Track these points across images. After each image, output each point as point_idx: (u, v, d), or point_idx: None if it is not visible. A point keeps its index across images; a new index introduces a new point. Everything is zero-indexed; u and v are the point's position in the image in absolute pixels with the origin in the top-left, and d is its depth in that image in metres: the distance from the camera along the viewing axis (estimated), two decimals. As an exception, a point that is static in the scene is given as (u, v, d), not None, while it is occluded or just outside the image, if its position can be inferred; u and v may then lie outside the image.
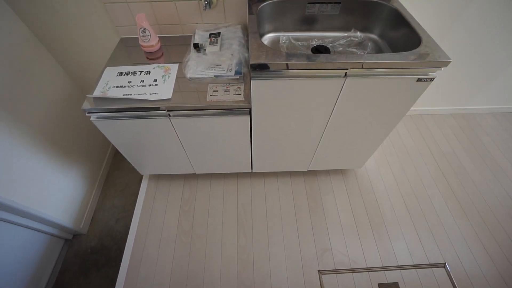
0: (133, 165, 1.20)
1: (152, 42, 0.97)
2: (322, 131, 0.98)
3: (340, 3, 0.94)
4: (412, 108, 1.64)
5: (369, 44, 0.96)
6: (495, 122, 1.63)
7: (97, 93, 0.84)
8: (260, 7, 0.88)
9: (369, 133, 1.01)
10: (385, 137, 1.05)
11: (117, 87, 0.86)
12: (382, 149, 1.50)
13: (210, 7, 0.94)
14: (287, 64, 0.69)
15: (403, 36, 0.85)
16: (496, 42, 1.23)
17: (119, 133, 0.93)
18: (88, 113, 0.84)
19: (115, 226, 1.27)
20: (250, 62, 0.68)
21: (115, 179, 1.43)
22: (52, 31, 1.03)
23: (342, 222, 1.22)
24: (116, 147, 1.02)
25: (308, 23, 0.99)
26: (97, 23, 1.03)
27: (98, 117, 0.85)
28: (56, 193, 1.10)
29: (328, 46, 0.95)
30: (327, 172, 1.39)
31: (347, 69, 0.72)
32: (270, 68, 0.70)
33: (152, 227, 1.22)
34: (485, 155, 1.47)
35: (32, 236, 1.03)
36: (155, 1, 0.96)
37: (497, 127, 1.60)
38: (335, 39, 0.98)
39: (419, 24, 0.81)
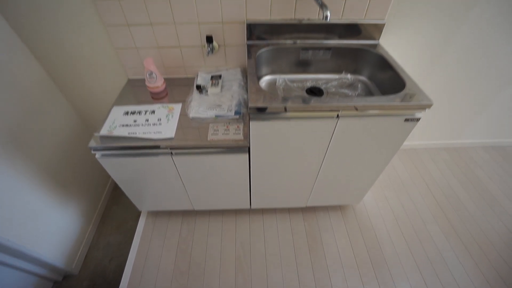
0: (132, 201, 1.21)
1: (157, 83, 1.05)
2: (319, 168, 1.02)
3: (330, 49, 1.04)
4: (405, 143, 1.71)
5: (359, 85, 1.05)
6: (487, 156, 1.69)
7: (104, 131, 0.89)
8: (258, 53, 0.98)
9: (364, 169, 1.05)
10: (380, 172, 1.09)
11: (123, 125, 0.91)
12: (379, 183, 1.53)
13: (212, 52, 1.04)
14: (283, 107, 0.76)
15: (389, 78, 0.94)
16: (476, 82, 1.34)
17: (121, 170, 0.96)
18: (94, 150, 0.88)
19: (109, 265, 1.23)
20: (249, 105, 0.74)
21: (112, 215, 1.43)
22: (65, 72, 1.12)
23: (342, 262, 1.20)
24: (118, 183, 1.05)
25: (303, 66, 1.09)
26: (108, 65, 1.12)
27: (103, 155, 0.89)
28: (51, 230, 1.09)
29: (321, 87, 1.03)
30: (326, 208, 1.40)
31: (339, 111, 0.78)
32: (267, 111, 0.76)
33: (147, 267, 1.19)
34: (481, 188, 1.50)
35: (18, 278, 0.99)
36: (162, 48, 1.07)
37: (489, 161, 1.66)
38: (328, 80, 1.08)
39: (402, 69, 0.90)
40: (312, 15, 0.98)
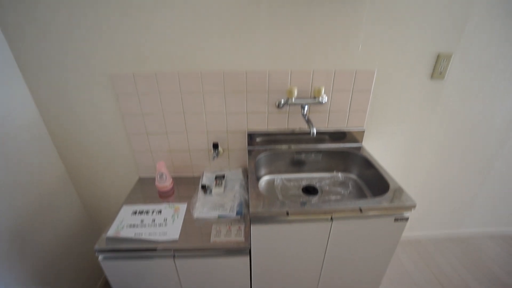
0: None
1: (166, 183, 1.17)
2: (320, 268, 1.02)
3: (321, 152, 1.21)
4: (408, 234, 1.71)
5: (350, 184, 1.17)
6: (497, 248, 1.66)
7: (111, 232, 0.95)
8: (257, 158, 1.14)
9: (366, 266, 1.05)
10: (385, 268, 1.08)
11: (130, 226, 0.98)
12: (389, 280, 1.45)
13: (217, 156, 1.20)
14: (280, 212, 0.84)
15: (375, 178, 1.06)
16: (461, 166, 1.46)
17: (121, 273, 0.97)
18: (98, 253, 0.92)
19: None
20: (250, 210, 0.83)
21: (98, 323, 1.31)
22: (83, 170, 1.26)
23: None
24: (113, 286, 1.03)
25: (298, 166, 1.23)
26: (124, 165, 1.27)
27: (105, 257, 0.92)
28: None
29: (316, 186, 1.15)
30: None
31: (332, 213, 0.87)
32: (267, 215, 0.85)
33: None
34: (499, 283, 1.42)
35: None
36: (173, 151, 1.24)
37: (499, 252, 1.62)
38: (321, 179, 1.20)
39: (385, 170, 1.03)
40: (303, 125, 1.19)
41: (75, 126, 1.15)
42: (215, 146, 1.18)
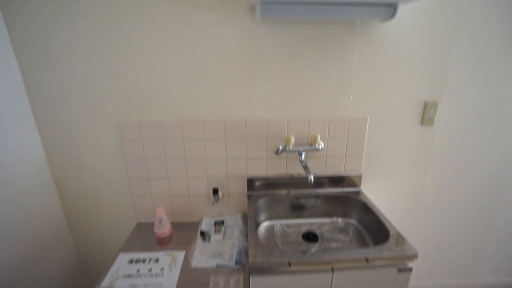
0: None
1: (165, 229, 1.17)
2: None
3: (319, 197, 1.22)
4: (416, 283, 1.62)
5: (351, 230, 1.16)
6: (512, 298, 1.56)
7: (105, 283, 0.92)
8: (257, 203, 1.15)
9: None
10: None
11: (125, 276, 0.95)
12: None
13: (217, 202, 1.22)
14: (279, 263, 0.83)
15: (375, 223, 1.06)
16: (465, 211, 1.45)
17: (112, 329, 0.92)
18: (90, 307, 0.88)
19: None
20: (249, 261, 0.82)
21: None
22: (81, 216, 1.26)
23: None
24: None
25: (297, 211, 1.24)
26: (123, 210, 1.27)
27: (97, 312, 0.89)
28: None
29: (316, 232, 1.14)
30: None
31: (333, 263, 0.85)
32: (266, 266, 0.84)
33: None
34: None
35: None
36: (174, 196, 1.25)
37: (517, 304, 1.52)
38: (321, 225, 1.19)
39: (385, 217, 1.04)
40: (301, 170, 1.23)
41: (79, 169, 1.19)
42: (215, 191, 1.20)
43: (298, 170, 1.23)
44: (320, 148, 1.15)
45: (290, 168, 1.23)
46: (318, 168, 1.24)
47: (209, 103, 1.12)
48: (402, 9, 1.01)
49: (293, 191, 1.23)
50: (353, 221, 1.21)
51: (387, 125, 1.21)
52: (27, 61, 1.03)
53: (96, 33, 1.01)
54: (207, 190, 1.24)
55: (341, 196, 1.22)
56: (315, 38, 1.06)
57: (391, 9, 0.94)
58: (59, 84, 1.06)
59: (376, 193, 1.32)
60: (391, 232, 0.94)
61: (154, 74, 1.07)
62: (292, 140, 1.11)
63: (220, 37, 1.04)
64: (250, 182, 1.22)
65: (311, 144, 1.14)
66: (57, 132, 1.13)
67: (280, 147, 1.16)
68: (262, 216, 1.21)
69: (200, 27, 1.02)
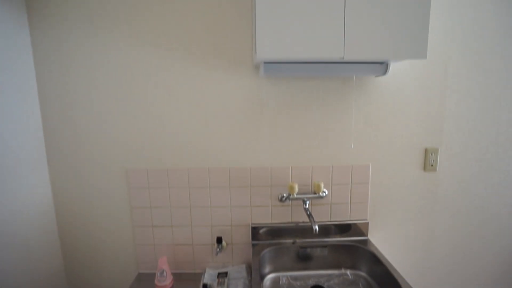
0: None
1: (166, 282, 1.13)
2: None
3: (326, 247, 1.19)
4: None
5: (361, 283, 1.11)
6: None
7: None
8: (261, 254, 1.13)
9: None
10: None
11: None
12: None
13: (221, 251, 1.19)
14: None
15: (385, 276, 1.01)
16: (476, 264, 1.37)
17: None
18: None
19: None
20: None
21: None
22: (81, 264, 1.24)
23: None
24: None
25: (304, 262, 1.20)
26: (123, 258, 1.25)
27: None
28: None
29: (324, 286, 1.09)
30: None
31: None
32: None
33: None
34: None
35: None
36: (177, 245, 1.23)
37: None
38: (330, 277, 1.14)
39: (394, 268, 1.00)
40: (306, 218, 1.22)
41: (83, 215, 1.21)
42: (219, 240, 1.18)
43: (304, 218, 1.22)
44: (324, 195, 1.16)
45: (295, 216, 1.22)
46: (323, 216, 1.23)
47: (215, 152, 1.17)
48: (394, 65, 1.11)
49: (299, 240, 1.21)
50: (362, 273, 1.16)
51: (390, 171, 1.23)
52: (49, 113, 1.13)
53: (113, 87, 1.12)
54: (211, 239, 1.23)
55: (348, 246, 1.19)
56: (315, 91, 1.15)
57: (384, 67, 1.03)
58: (76, 132, 1.15)
59: (384, 241, 1.28)
60: (402, 286, 0.90)
61: (164, 125, 1.15)
62: (296, 188, 1.13)
63: (226, 92, 1.13)
64: (255, 230, 1.21)
65: (315, 192, 1.16)
66: (67, 178, 1.18)
67: (284, 195, 1.18)
68: (267, 268, 1.17)
69: (208, 83, 1.13)
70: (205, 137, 1.16)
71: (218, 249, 1.18)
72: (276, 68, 1.00)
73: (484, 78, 1.19)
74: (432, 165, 1.24)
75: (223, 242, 1.21)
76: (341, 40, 0.84)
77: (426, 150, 1.23)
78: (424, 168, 1.24)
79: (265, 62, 0.98)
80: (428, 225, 1.30)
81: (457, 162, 1.25)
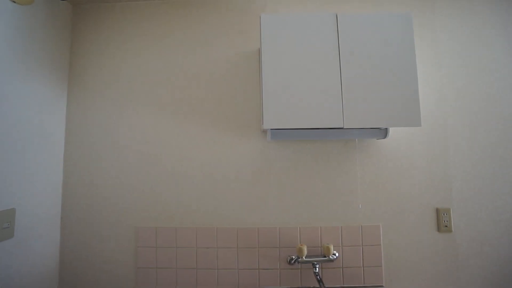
0: None
1: None
2: None
3: (340, 317, 1.13)
4: None
5: None
6: None
7: None
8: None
9: None
10: None
11: None
12: None
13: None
14: None
15: None
16: None
17: None
18: None
19: None
20: None
21: None
22: None
23: None
24: None
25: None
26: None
27: None
28: None
29: None
30: None
31: None
32: None
33: None
34: None
35: None
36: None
37: None
38: None
39: None
40: (317, 283, 1.19)
41: (87, 277, 1.22)
42: (225, 307, 1.15)
43: (314, 282, 1.19)
44: (334, 258, 1.15)
45: (305, 280, 1.19)
46: (335, 281, 1.19)
47: (223, 212, 1.22)
48: (394, 128, 1.20)
49: (310, 311, 1.16)
50: None
51: (403, 232, 1.22)
52: (70, 173, 1.25)
53: (130, 149, 1.25)
54: (217, 305, 1.19)
55: (364, 315, 1.13)
56: (320, 153, 1.23)
57: (383, 131, 1.12)
58: (91, 191, 1.24)
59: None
60: None
61: (176, 184, 1.23)
62: (305, 251, 1.13)
63: (235, 154, 1.24)
64: (263, 296, 1.18)
65: (324, 255, 1.15)
66: (76, 233, 1.23)
67: (293, 257, 1.17)
68: None
69: (219, 146, 1.24)
70: (214, 197, 1.23)
71: (224, 318, 1.14)
72: (281, 133, 1.11)
73: (484, 135, 1.25)
74: (446, 226, 1.23)
75: (230, 310, 1.17)
76: (340, 112, 0.95)
77: (437, 210, 1.23)
78: (438, 230, 1.23)
79: (271, 129, 1.09)
80: (451, 293, 1.23)
81: (472, 222, 1.24)
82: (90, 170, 1.25)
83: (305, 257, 1.14)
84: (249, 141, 1.24)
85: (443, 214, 1.23)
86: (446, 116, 1.26)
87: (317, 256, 1.17)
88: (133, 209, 1.24)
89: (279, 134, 1.10)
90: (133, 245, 1.22)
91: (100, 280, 1.22)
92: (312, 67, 0.97)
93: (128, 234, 1.23)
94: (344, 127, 0.96)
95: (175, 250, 1.21)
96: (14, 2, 0.97)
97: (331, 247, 1.13)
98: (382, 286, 1.20)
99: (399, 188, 1.23)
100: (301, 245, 1.15)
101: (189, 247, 1.21)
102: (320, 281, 1.07)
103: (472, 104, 1.27)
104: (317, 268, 1.13)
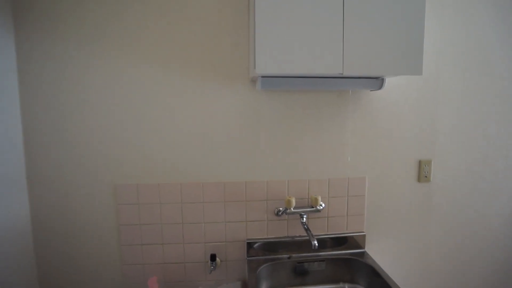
0: None
1: (156, 305, 1.13)
2: None
3: (324, 261, 1.24)
4: None
5: (359, 298, 1.16)
6: None
7: None
8: (258, 271, 1.16)
9: None
10: None
11: None
12: None
13: (215, 269, 1.21)
14: None
15: (385, 290, 1.07)
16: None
17: None
18: None
19: None
20: None
21: None
22: (59, 281, 1.21)
23: None
24: None
25: (301, 277, 1.24)
26: (109, 282, 1.23)
27: None
28: None
29: (322, 302, 1.13)
30: None
31: None
32: None
33: None
34: None
35: None
36: (168, 263, 1.24)
37: None
38: (328, 292, 1.19)
39: (393, 281, 1.06)
40: (303, 232, 1.26)
41: (64, 234, 1.18)
42: (213, 257, 1.20)
43: (300, 232, 1.26)
44: (321, 209, 1.21)
45: (292, 230, 1.26)
46: (320, 229, 1.27)
47: (210, 166, 1.19)
48: (388, 80, 1.18)
49: (295, 255, 1.25)
50: (361, 287, 1.21)
51: (386, 183, 1.30)
52: (31, 126, 1.11)
53: (105, 100, 1.13)
54: (204, 256, 1.24)
55: (346, 259, 1.24)
56: (312, 105, 1.20)
57: (380, 81, 1.10)
58: (60, 143, 1.13)
59: (381, 253, 1.34)
60: (402, 302, 0.96)
61: (159, 138, 1.16)
62: (293, 203, 1.17)
63: (222, 105, 1.17)
64: (250, 246, 1.23)
65: (312, 206, 1.20)
66: (48, 193, 1.15)
67: (281, 209, 1.21)
68: (263, 284, 1.20)
69: (204, 97, 1.16)
70: (201, 151, 1.18)
71: (212, 267, 1.19)
72: (273, 82, 1.04)
73: (474, 93, 1.29)
74: (426, 176, 1.32)
75: (217, 259, 1.22)
76: (340, 57, 0.89)
77: (420, 162, 1.31)
78: (419, 180, 1.32)
79: (262, 76, 1.02)
80: (423, 235, 1.37)
81: (449, 173, 1.34)
82: (57, 126, 1.12)
83: (293, 209, 1.18)
84: (237, 91, 1.16)
85: (425, 166, 1.31)
86: (441, 70, 1.26)
87: (304, 207, 1.22)
88: (112, 166, 1.16)
89: (270, 82, 1.04)
90: (113, 202, 1.18)
91: (80, 238, 1.19)
92: (312, 6, 0.87)
93: (106, 192, 1.18)
94: (344, 74, 0.91)
95: (159, 207, 1.19)
96: None
97: (319, 198, 1.18)
98: (363, 231, 1.30)
99: (387, 141, 1.27)
100: (289, 197, 1.18)
101: (174, 203, 1.20)
102: (307, 230, 1.13)
103: (466, 61, 1.27)
104: (304, 218, 1.19)
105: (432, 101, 1.27)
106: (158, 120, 1.15)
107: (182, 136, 1.17)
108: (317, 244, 1.04)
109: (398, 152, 1.28)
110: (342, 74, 0.91)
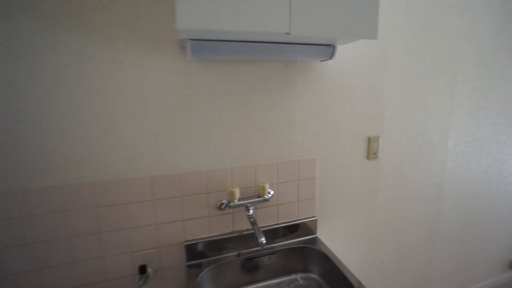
0: None
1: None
2: None
3: (274, 253, 1.14)
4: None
5: (313, 284, 1.10)
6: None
7: None
8: (199, 276, 0.99)
9: None
10: None
11: None
12: None
13: (146, 283, 1.00)
14: None
15: (336, 275, 1.02)
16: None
17: None
18: None
19: None
20: None
21: None
22: None
23: None
24: None
25: (251, 275, 1.12)
26: None
27: None
28: None
29: (274, 299, 1.03)
30: None
31: None
32: None
33: None
34: None
35: None
36: (82, 286, 0.99)
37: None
38: (280, 286, 1.10)
39: (344, 266, 1.02)
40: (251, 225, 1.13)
41: None
42: (143, 269, 0.99)
43: (248, 225, 1.13)
44: (270, 197, 1.09)
45: (238, 223, 1.12)
46: (269, 219, 1.16)
47: (131, 156, 0.95)
48: (338, 51, 1.07)
49: (244, 251, 1.12)
50: (314, 276, 1.15)
51: (336, 163, 1.23)
52: None
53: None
54: (132, 269, 1.02)
55: (297, 248, 1.16)
56: (256, 79, 1.03)
57: (331, 49, 0.97)
58: None
59: (333, 237, 1.31)
60: (354, 284, 0.91)
61: (57, 125, 0.85)
62: (237, 193, 1.01)
63: (144, 79, 0.91)
64: (190, 248, 1.05)
65: (259, 195, 1.07)
66: None
67: (224, 202, 1.05)
68: (208, 291, 1.05)
69: (116, 68, 0.88)
70: (115, 139, 0.92)
71: (141, 281, 0.98)
72: (206, 47, 0.83)
73: (418, 65, 1.28)
74: (374, 153, 1.29)
75: (148, 270, 1.02)
76: (287, 10, 0.72)
77: (369, 139, 1.27)
78: (368, 157, 1.29)
79: (191, 39, 0.79)
80: (371, 213, 1.38)
81: (394, 148, 1.34)
82: None
83: (238, 200, 1.03)
84: (163, 60, 0.91)
85: (373, 142, 1.27)
86: (388, 39, 1.20)
87: (251, 197, 1.08)
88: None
89: (202, 48, 0.82)
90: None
91: None
92: None
93: None
94: (291, 33, 0.74)
95: (62, 215, 0.91)
96: None
97: (267, 186, 1.05)
98: (314, 216, 1.23)
99: (337, 118, 1.18)
100: (233, 187, 1.02)
101: (85, 208, 0.93)
102: (254, 224, 1.00)
103: (416, 29, 1.24)
104: (251, 211, 1.05)
105: (380, 74, 1.22)
106: (51, 97, 0.84)
107: (87, 121, 0.89)
108: (264, 241, 0.91)
109: (348, 130, 1.22)
110: (289, 33, 0.74)
